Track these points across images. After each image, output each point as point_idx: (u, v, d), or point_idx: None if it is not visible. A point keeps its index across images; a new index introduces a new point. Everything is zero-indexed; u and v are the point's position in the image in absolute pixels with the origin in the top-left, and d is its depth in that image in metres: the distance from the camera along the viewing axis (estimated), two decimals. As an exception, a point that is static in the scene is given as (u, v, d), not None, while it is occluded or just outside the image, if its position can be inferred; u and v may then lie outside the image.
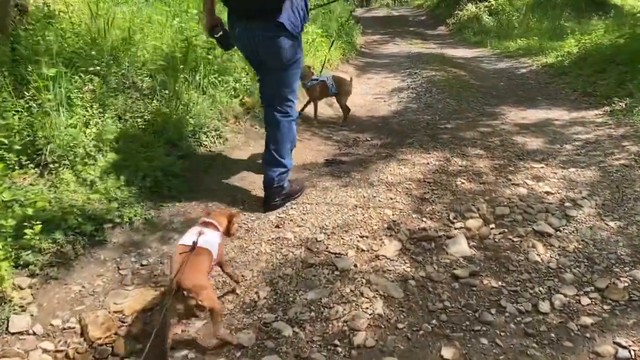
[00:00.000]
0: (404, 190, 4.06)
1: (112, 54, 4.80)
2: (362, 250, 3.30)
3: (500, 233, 3.48)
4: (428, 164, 4.57)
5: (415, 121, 6.23)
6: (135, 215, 3.51)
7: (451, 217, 3.65)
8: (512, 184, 4.15)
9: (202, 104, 4.70)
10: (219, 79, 5.21)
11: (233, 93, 5.30)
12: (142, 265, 3.15)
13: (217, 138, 4.65)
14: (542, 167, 4.46)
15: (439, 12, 20.22)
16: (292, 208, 3.81)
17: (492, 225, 3.57)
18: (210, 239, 2.54)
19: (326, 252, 3.27)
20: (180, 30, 5.39)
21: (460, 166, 4.50)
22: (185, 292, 2.20)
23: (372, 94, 7.83)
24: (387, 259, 3.22)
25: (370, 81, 8.86)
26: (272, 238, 3.44)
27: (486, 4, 17.88)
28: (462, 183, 4.16)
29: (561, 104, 6.86)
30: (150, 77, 4.74)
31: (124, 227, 3.43)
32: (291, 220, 3.65)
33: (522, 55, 11.33)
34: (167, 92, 4.58)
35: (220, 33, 3.49)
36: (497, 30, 16.03)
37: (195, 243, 2.42)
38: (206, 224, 2.63)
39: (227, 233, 2.76)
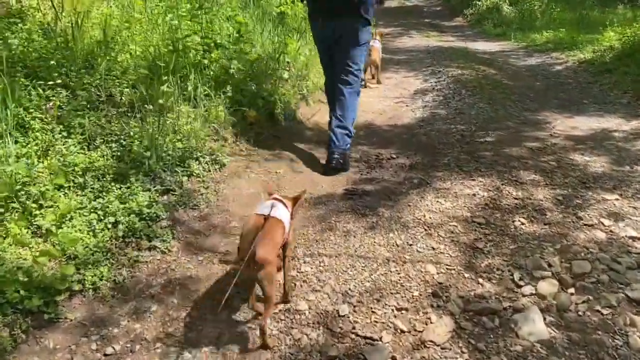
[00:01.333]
0: (449, 235, 3.17)
1: (87, 59, 3.96)
2: (402, 331, 2.43)
3: (583, 302, 2.60)
4: (474, 195, 3.67)
5: (447, 132, 5.32)
6: (101, 279, 2.68)
7: (516, 278, 2.76)
8: (585, 225, 3.25)
9: (193, 121, 3.83)
10: (216, 89, 4.34)
11: (233, 105, 4.42)
12: (105, 355, 2.31)
13: (211, 164, 3.78)
14: (617, 200, 3.56)
15: (455, 3, 19.14)
16: (305, 262, 2.95)
17: (572, 290, 2.68)
18: (283, 212, 2.47)
19: (353, 335, 2.41)
20: (173, 29, 4.52)
21: (515, 198, 3.61)
22: (257, 262, 2.15)
23: (393, 98, 6.91)
24: (437, 346, 2.35)
25: (389, 81, 7.94)
26: (280, 310, 2.58)
27: (506, -8, 16.80)
28: (522, 224, 3.27)
29: (613, 109, 5.92)
30: (133, 88, 3.89)
31: (85, 297, 2.62)
32: (305, 281, 2.80)
33: (553, 49, 10.34)
34: (150, 107, 3.72)
35: None
36: (519, 21, 15.01)
37: (269, 214, 2.36)
38: (277, 200, 2.54)
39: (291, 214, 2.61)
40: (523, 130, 5.24)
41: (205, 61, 4.47)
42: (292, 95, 5.47)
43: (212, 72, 4.45)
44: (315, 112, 5.80)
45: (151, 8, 5.32)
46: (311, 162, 4.42)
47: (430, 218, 3.37)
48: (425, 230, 3.23)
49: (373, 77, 7.73)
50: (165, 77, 3.80)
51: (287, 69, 5.70)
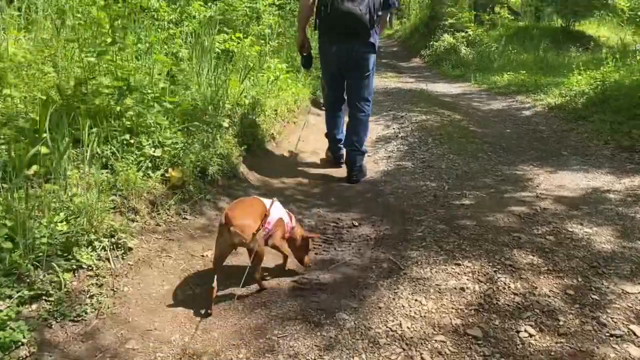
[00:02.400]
0: (436, 358, 2.27)
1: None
2: None
3: None
4: (462, 290, 2.80)
5: (417, 191, 4.51)
6: None
7: None
8: (612, 336, 2.42)
9: (89, 191, 2.85)
10: (128, 145, 3.39)
11: (150, 164, 3.46)
12: None
13: (111, 249, 2.79)
14: (641, 293, 2.77)
15: (412, 43, 18.92)
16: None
17: None
18: (285, 216, 2.91)
19: None
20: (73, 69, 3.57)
21: (514, 293, 2.76)
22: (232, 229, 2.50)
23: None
24: None
25: (347, 127, 7.14)
26: None
27: (463, 34, 16.64)
28: (530, 336, 2.41)
29: (597, 162, 5.27)
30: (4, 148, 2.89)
31: None
32: None
33: (516, 92, 9.89)
34: (28, 172, 2.72)
35: (308, 52, 4.83)
36: (477, 62, 14.75)
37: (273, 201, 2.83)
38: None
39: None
40: (504, 190, 4.48)
41: (118, 109, 3.51)
42: (234, 147, 4.55)
43: (125, 123, 3.49)
44: (264, 166, 4.90)
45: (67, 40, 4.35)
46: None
47: (408, 329, 2.46)
48: (404, 349, 2.32)
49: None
50: (50, 133, 2.81)
51: (228, 114, 4.80)
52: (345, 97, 4.98)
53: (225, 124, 4.43)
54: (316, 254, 3.32)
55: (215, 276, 2.58)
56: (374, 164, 5.50)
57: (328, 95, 5.18)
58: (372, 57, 4.63)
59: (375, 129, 6.93)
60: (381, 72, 14.00)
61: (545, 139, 6.38)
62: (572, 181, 4.70)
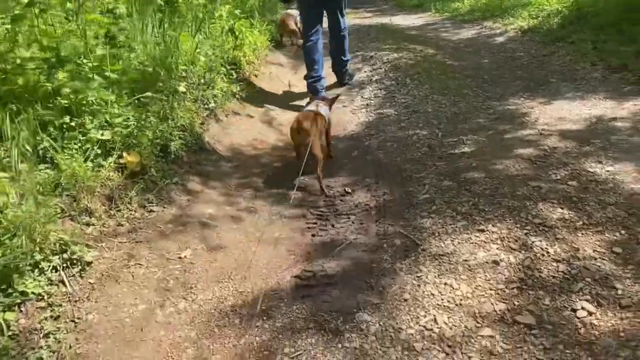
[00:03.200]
0: (488, 362, 1.86)
1: None
2: None
3: None
4: (496, 263, 2.37)
5: (407, 142, 4.03)
6: None
7: None
8: (687, 303, 2.05)
9: (24, 198, 2.24)
10: (68, 130, 2.75)
11: (99, 151, 2.84)
12: None
13: (66, 267, 2.22)
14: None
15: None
16: None
17: None
18: (324, 109, 3.72)
19: None
20: None
21: (555, 260, 2.35)
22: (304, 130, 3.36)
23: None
24: None
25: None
26: None
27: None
28: (590, 314, 2.02)
29: (591, 87, 4.88)
30: None
31: None
32: None
33: (482, 18, 9.39)
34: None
35: None
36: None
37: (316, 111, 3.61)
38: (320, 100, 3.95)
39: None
40: (502, 130, 4.04)
41: (49, 86, 2.84)
42: (195, 114, 3.93)
43: (62, 103, 2.83)
44: (232, 131, 4.31)
45: None
46: (237, 222, 2.97)
47: (446, 324, 2.03)
48: (447, 354, 1.89)
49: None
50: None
51: (185, 76, 4.14)
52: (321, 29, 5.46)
53: (182, 88, 3.78)
54: (313, 235, 2.82)
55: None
56: (352, 114, 4.97)
57: (306, 28, 5.42)
58: None
59: (345, 73, 6.33)
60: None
61: (527, 66, 5.94)
62: (571, 111, 4.29)
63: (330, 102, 4.04)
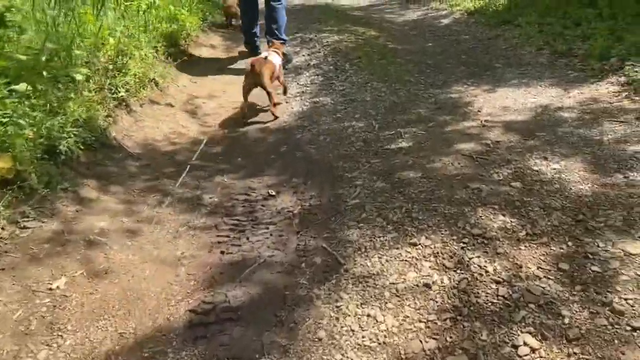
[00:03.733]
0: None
1: None
2: None
3: None
4: (427, 286, 2.03)
5: (342, 136, 3.67)
6: None
7: None
8: (634, 330, 1.77)
9: None
10: None
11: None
12: None
13: None
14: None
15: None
16: None
17: None
18: (274, 58, 4.23)
19: None
20: None
21: (496, 281, 2.03)
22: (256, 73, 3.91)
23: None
24: None
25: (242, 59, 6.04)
26: None
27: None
28: (533, 351, 1.71)
29: (536, 73, 4.63)
30: None
31: None
32: None
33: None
34: None
35: None
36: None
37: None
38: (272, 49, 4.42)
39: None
40: (443, 122, 3.73)
41: None
42: (99, 105, 3.42)
43: None
44: (146, 123, 3.82)
45: None
46: (133, 237, 2.52)
47: (365, 373, 1.67)
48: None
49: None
50: None
51: (87, 62, 3.61)
52: None
53: (80, 77, 3.26)
54: (222, 252, 2.41)
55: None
56: (286, 103, 4.55)
57: (246, 16, 5.59)
58: None
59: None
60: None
61: (472, 50, 5.66)
62: (516, 100, 4.02)
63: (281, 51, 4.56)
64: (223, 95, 4.80)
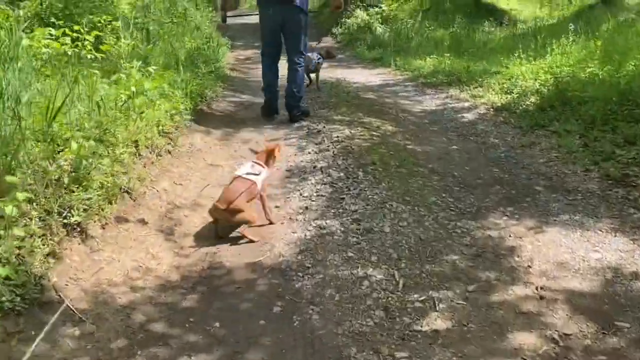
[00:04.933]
0: None
1: None
2: None
3: None
4: None
5: (355, 294, 2.83)
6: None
7: None
8: None
9: None
10: None
11: None
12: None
13: None
14: None
15: (322, 19, 17.07)
16: None
17: None
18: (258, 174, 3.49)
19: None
20: None
21: None
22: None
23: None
24: None
25: (245, 149, 5.27)
26: None
27: (377, 10, 15.09)
28: None
29: (589, 206, 3.83)
30: None
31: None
32: None
33: (447, 83, 8.47)
34: None
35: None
36: (393, 42, 13.25)
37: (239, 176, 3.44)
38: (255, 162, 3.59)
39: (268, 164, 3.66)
40: (486, 282, 2.90)
41: None
42: (40, 239, 2.59)
43: None
44: (105, 254, 2.97)
45: None
46: None
47: None
48: None
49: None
50: None
51: (35, 177, 2.79)
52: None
53: (10, 211, 2.42)
54: None
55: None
56: (289, 221, 3.73)
57: (264, 52, 5.99)
58: (303, 17, 5.64)
59: (287, 151, 5.11)
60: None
61: (505, 161, 4.89)
62: (574, 252, 3.20)
63: (267, 156, 3.71)
64: (212, 202, 3.98)
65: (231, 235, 3.48)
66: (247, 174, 3.45)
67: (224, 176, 4.45)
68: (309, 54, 6.97)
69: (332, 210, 3.84)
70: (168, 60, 6.41)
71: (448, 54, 10.55)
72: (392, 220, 3.63)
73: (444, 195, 4.11)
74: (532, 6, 19.92)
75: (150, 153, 4.29)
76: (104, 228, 3.20)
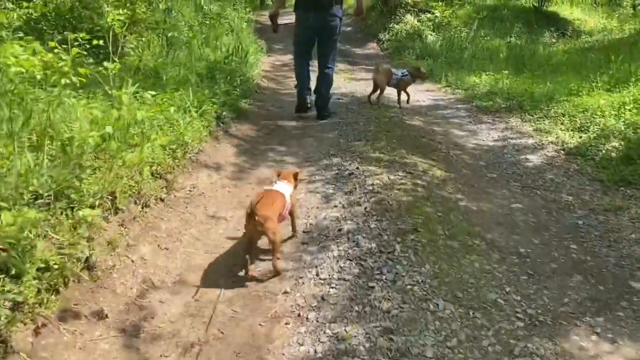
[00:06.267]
0: None
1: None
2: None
3: None
4: None
5: None
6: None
7: None
8: None
9: None
10: None
11: None
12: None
13: None
14: None
15: (369, 23, 15.94)
16: None
17: None
18: (284, 188, 3.30)
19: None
20: None
21: None
22: (257, 219, 2.94)
23: (268, 259, 3.36)
24: None
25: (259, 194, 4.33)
26: None
27: (429, 16, 13.93)
28: None
29: None
30: None
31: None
32: None
33: (506, 109, 7.36)
34: None
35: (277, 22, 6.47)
36: (445, 52, 12.10)
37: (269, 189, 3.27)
38: (280, 179, 3.40)
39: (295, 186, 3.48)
40: None
41: None
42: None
43: None
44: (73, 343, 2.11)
45: None
46: None
47: None
48: None
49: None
50: None
51: None
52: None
53: None
54: None
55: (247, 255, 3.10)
56: (297, 319, 2.79)
57: (299, 54, 6.25)
58: (339, 24, 6.02)
59: (308, 201, 4.16)
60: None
61: (585, 234, 3.81)
62: None
63: (291, 177, 3.52)
64: (201, 278, 3.08)
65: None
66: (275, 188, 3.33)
67: (227, 232, 3.55)
68: (387, 66, 7.68)
69: (356, 308, 2.87)
70: (185, 74, 5.56)
71: (506, 71, 9.41)
72: (436, 335, 2.64)
73: (507, 288, 3.09)
74: (598, 16, 18.30)
75: (135, 204, 3.42)
76: (37, 334, 2.32)
